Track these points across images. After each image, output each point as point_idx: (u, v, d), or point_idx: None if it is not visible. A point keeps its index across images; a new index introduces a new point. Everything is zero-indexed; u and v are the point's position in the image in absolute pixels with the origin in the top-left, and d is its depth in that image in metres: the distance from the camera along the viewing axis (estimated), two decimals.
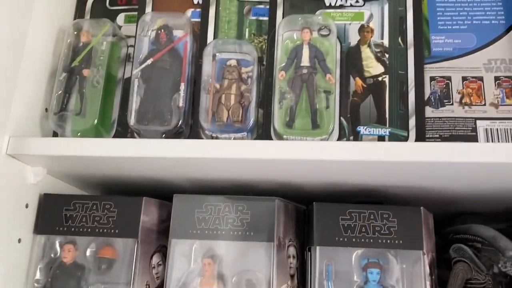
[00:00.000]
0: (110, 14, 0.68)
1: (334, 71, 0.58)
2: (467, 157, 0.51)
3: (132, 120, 0.57)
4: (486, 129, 0.59)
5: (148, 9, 0.67)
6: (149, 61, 0.58)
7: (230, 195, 0.58)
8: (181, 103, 0.57)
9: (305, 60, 0.59)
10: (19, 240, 0.56)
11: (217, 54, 0.60)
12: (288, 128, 0.57)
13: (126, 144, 0.54)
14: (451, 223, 0.70)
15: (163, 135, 0.56)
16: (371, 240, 0.57)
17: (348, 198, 0.65)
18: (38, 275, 0.57)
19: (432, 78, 0.62)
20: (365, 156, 0.52)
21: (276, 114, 0.57)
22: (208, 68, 0.59)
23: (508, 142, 0.58)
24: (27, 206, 0.57)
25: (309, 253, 0.58)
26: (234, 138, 0.57)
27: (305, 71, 0.58)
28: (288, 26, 0.61)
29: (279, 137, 0.57)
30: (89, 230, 0.57)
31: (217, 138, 0.58)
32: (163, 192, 0.62)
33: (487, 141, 0.58)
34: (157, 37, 0.61)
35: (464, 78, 0.61)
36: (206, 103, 0.58)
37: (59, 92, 0.60)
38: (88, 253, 0.58)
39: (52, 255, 0.58)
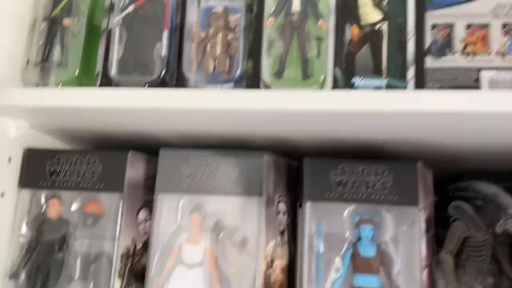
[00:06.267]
0: None
1: (326, 17, 0.55)
2: (470, 106, 0.47)
3: (113, 71, 0.55)
4: (490, 79, 0.55)
5: None
6: (130, 9, 0.55)
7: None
8: (163, 53, 0.54)
9: (296, 5, 0.55)
10: (2, 194, 0.55)
11: (202, 0, 0.56)
12: (277, 78, 0.54)
13: (109, 93, 0.52)
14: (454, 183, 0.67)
15: (146, 86, 0.54)
16: (364, 196, 0.55)
17: (344, 155, 0.62)
18: (23, 230, 0.57)
19: (433, 26, 0.58)
20: (359, 105, 0.49)
21: (265, 63, 0.54)
22: (192, 15, 0.56)
23: None
24: (9, 160, 0.56)
25: (300, 209, 0.56)
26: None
27: (295, 17, 0.55)
28: None
29: (268, 88, 0.55)
30: (73, 184, 0.56)
31: None
32: (151, 147, 0.60)
33: None
34: None
35: (468, 26, 0.57)
36: (190, 52, 0.55)
37: (40, 43, 0.57)
38: (73, 208, 0.57)
39: (37, 210, 0.57)
